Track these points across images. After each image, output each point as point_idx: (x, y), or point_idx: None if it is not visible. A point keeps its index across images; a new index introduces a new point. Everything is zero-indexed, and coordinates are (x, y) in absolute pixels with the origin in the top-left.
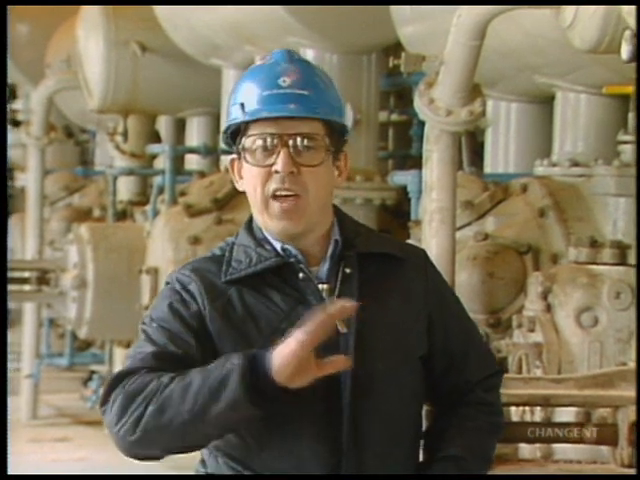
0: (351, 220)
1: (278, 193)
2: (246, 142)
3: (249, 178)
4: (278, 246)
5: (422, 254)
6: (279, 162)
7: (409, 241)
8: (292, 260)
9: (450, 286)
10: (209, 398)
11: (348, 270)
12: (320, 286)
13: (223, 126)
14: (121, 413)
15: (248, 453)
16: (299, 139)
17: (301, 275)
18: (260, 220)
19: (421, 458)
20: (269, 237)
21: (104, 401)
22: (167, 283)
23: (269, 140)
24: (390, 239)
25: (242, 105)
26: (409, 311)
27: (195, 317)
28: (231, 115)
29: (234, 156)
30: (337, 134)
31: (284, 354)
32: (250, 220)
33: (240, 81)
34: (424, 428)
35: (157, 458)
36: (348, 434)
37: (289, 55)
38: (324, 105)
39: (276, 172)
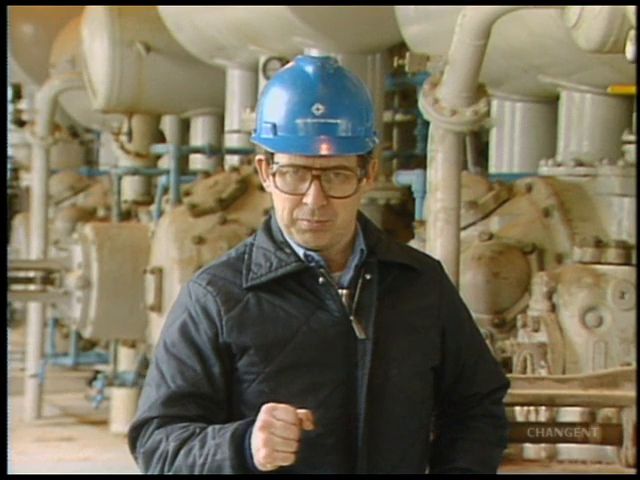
0: (373, 226)
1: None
2: (277, 168)
3: (278, 199)
4: (301, 252)
5: (438, 266)
6: (309, 196)
7: (413, 241)
8: (313, 265)
9: (461, 298)
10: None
11: (368, 276)
12: (340, 291)
13: (252, 138)
14: (145, 470)
15: None
16: (331, 173)
17: (321, 280)
18: (284, 230)
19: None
20: (290, 241)
21: (132, 450)
22: (182, 295)
23: (300, 171)
24: (408, 249)
25: (274, 126)
26: (424, 321)
27: (206, 336)
28: (261, 130)
29: (261, 156)
30: (368, 153)
31: (261, 455)
32: (268, 220)
33: (270, 91)
34: (432, 438)
35: None
36: (363, 439)
37: (322, 70)
38: (358, 132)
39: (306, 204)
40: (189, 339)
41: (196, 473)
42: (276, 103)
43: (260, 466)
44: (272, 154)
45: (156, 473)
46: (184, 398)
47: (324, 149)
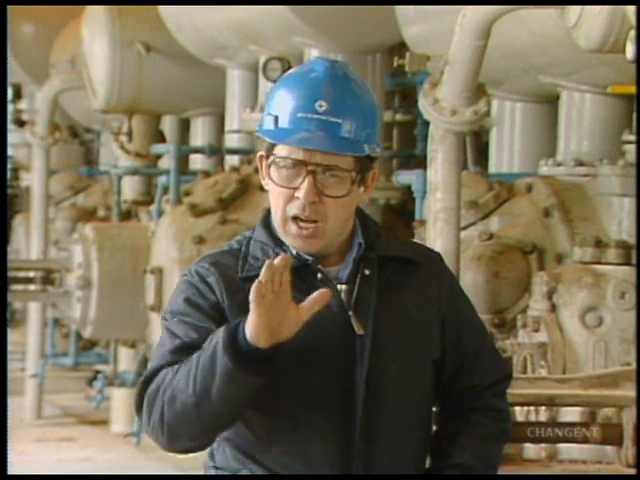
0: (372, 222)
1: (297, 218)
2: (274, 158)
3: (272, 193)
4: (294, 251)
5: (438, 258)
6: (302, 190)
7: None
8: (310, 262)
9: (462, 288)
10: (206, 376)
11: (367, 272)
12: (339, 286)
13: (255, 130)
14: (148, 417)
15: (259, 447)
16: (327, 173)
17: (319, 276)
18: (280, 230)
19: (428, 462)
20: (286, 241)
21: (138, 409)
22: (184, 275)
23: (296, 166)
24: (408, 242)
25: (276, 118)
26: (424, 314)
27: (214, 308)
28: (264, 123)
29: (262, 153)
30: (367, 159)
31: (249, 318)
32: (267, 216)
33: (278, 87)
34: (433, 431)
35: (198, 449)
36: (360, 434)
37: (331, 70)
38: (359, 136)
39: (298, 198)
40: (198, 306)
41: (191, 374)
42: (282, 97)
43: (253, 339)
44: (272, 148)
45: (157, 414)
46: (197, 348)
47: (321, 145)
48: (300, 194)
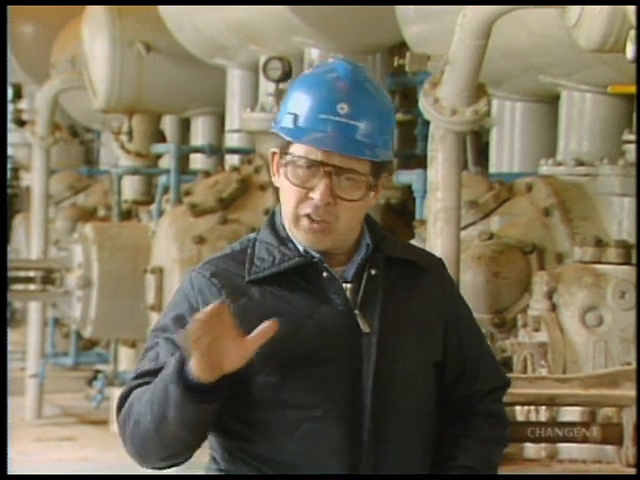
0: (378, 225)
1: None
2: (291, 157)
3: (286, 191)
4: (301, 248)
5: (440, 264)
6: (317, 192)
7: (413, 241)
8: (316, 260)
9: (462, 296)
10: (161, 404)
11: (373, 271)
12: (344, 285)
13: (270, 128)
14: (123, 438)
15: (265, 447)
16: (343, 176)
17: (325, 274)
18: (288, 227)
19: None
20: (293, 238)
21: (119, 425)
22: (185, 281)
23: (313, 166)
24: (412, 247)
25: (295, 117)
26: (428, 317)
27: None
28: (282, 120)
29: (275, 149)
30: (381, 164)
31: (192, 357)
32: (272, 216)
33: (298, 86)
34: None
35: (173, 465)
36: (369, 433)
37: (353, 73)
38: (376, 140)
39: (312, 198)
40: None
41: (150, 401)
42: (302, 96)
43: (197, 374)
44: (287, 146)
45: (128, 435)
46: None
47: (340, 147)
48: (315, 195)
